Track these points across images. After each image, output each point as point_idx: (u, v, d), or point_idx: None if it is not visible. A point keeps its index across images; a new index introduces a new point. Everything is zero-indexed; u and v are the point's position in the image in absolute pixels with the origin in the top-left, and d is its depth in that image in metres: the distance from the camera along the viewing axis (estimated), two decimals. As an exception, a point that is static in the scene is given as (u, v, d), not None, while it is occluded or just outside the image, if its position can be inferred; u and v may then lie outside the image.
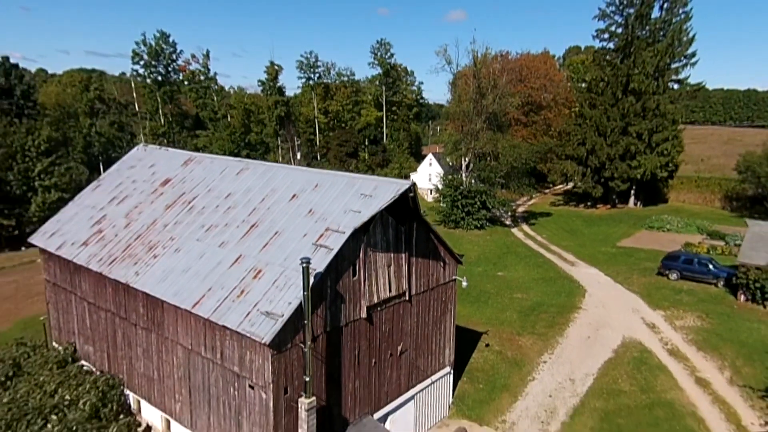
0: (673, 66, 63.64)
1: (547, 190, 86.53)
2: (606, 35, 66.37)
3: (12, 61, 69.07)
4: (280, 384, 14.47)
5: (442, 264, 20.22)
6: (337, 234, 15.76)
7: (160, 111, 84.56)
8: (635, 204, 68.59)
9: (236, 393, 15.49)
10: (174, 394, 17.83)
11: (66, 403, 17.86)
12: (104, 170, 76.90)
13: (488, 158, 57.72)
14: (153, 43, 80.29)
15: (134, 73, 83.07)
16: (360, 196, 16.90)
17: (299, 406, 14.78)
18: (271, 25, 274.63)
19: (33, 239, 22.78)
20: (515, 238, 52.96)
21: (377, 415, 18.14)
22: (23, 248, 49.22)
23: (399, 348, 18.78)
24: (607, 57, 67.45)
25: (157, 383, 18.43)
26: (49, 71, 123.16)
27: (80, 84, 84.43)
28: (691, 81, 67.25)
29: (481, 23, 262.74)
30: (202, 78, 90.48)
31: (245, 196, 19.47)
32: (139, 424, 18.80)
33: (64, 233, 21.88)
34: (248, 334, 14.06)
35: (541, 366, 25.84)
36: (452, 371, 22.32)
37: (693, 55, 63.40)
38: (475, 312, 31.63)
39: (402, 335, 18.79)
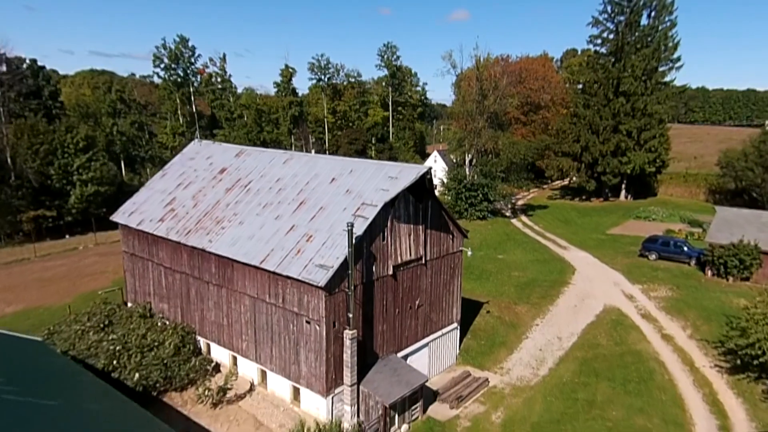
0: (660, 69, 67.97)
1: (545, 186, 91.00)
2: (599, 40, 70.69)
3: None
4: (330, 319, 19.19)
5: (451, 236, 24.89)
6: (371, 207, 20.43)
7: (179, 111, 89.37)
8: (626, 197, 73.13)
9: (295, 328, 20.22)
10: (241, 335, 22.58)
11: (156, 343, 22.66)
12: (126, 167, 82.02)
13: (490, 154, 61.91)
14: (173, 47, 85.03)
15: (155, 75, 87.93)
16: (388, 178, 21.55)
17: (344, 336, 19.50)
18: (270, 23, 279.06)
19: (114, 217, 27.55)
20: (514, 227, 57.58)
21: (400, 355, 22.82)
22: (67, 236, 54.12)
23: (417, 302, 23.46)
24: (600, 61, 71.76)
25: (226, 328, 23.18)
26: (57, 72, 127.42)
27: (103, 85, 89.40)
28: (682, 82, 72.09)
29: (483, 23, 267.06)
30: (218, 80, 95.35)
31: (293, 180, 24.15)
32: (211, 361, 23.54)
33: (142, 212, 26.66)
34: (307, 281, 18.78)
35: (534, 328, 30.55)
36: (459, 327, 27.00)
37: (678, 59, 67.89)
38: (478, 287, 36.27)
39: (419, 292, 23.46)
